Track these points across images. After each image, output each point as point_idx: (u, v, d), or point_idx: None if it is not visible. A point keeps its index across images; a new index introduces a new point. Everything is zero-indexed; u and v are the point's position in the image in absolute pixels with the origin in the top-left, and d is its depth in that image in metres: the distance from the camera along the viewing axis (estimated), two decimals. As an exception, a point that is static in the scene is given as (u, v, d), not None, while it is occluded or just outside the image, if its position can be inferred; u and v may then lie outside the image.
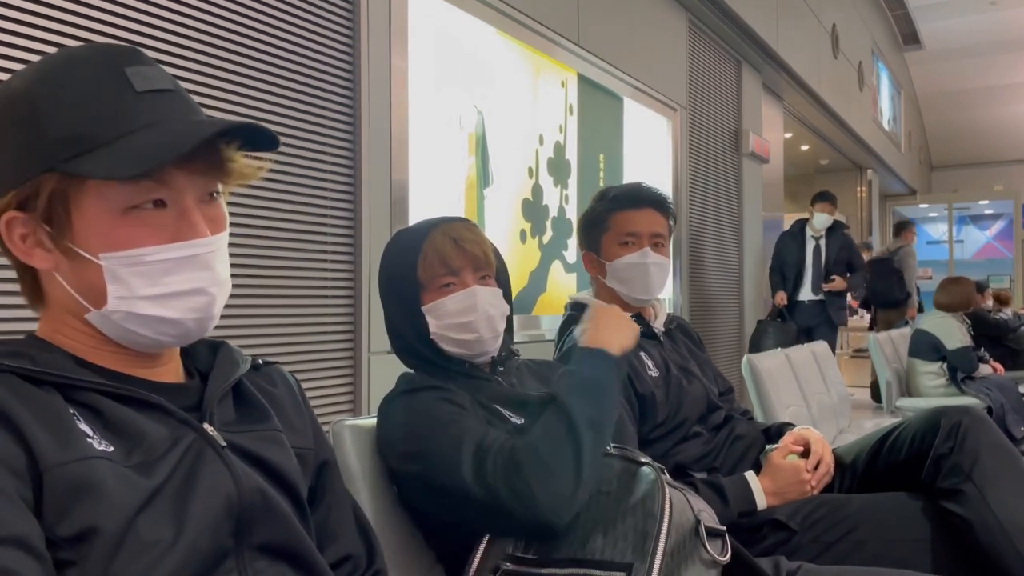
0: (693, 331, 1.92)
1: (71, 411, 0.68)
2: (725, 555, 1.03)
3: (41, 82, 0.70)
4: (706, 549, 1.01)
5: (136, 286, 0.70)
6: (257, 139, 0.74)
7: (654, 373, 1.63)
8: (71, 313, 0.73)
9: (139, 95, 0.70)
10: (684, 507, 1.04)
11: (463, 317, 1.18)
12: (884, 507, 1.44)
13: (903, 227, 7.14)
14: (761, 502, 1.47)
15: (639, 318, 1.72)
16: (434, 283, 1.19)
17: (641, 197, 1.73)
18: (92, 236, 0.69)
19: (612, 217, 1.73)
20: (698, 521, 1.03)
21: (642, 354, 1.65)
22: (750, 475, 1.51)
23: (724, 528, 1.06)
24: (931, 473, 1.42)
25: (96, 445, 0.67)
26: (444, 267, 1.19)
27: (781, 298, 5.26)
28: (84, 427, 0.68)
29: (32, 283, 0.75)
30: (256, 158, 0.77)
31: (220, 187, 0.76)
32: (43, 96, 0.69)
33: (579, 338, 1.28)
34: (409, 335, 1.22)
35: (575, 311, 1.76)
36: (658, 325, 1.76)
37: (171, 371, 0.79)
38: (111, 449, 0.67)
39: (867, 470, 1.60)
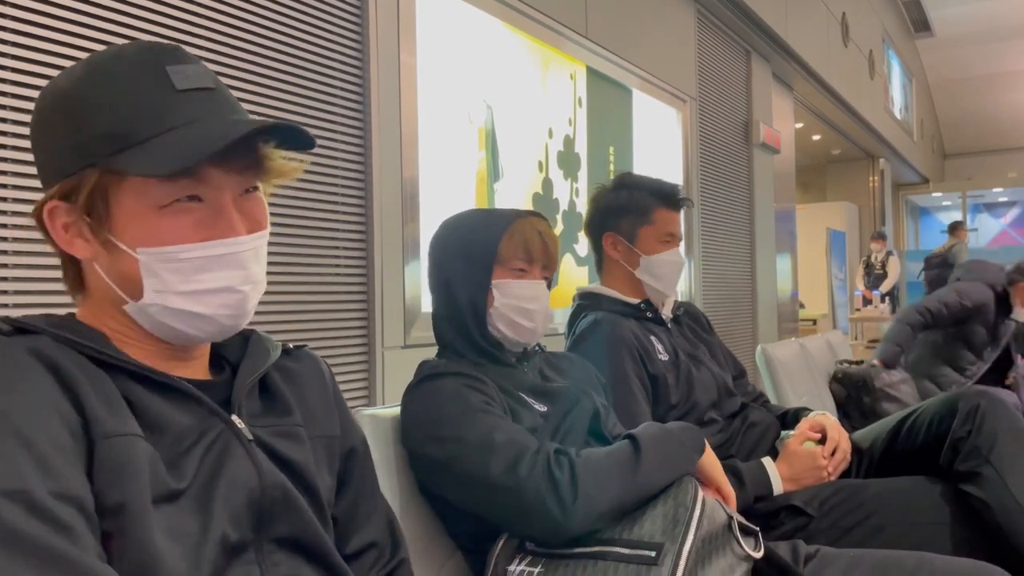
0: (702, 315, 1.93)
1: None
2: (758, 551, 1.02)
3: (86, 79, 0.72)
4: (739, 543, 1.01)
5: (170, 282, 0.71)
6: (292, 138, 0.74)
7: (664, 357, 1.65)
8: (110, 303, 0.74)
9: (179, 93, 0.71)
10: (716, 505, 1.04)
11: (529, 304, 1.23)
12: (902, 492, 1.44)
13: (956, 227, 7.85)
14: (778, 487, 1.47)
15: (648, 304, 1.74)
16: (510, 263, 1.23)
17: (678, 200, 1.79)
18: (130, 231, 0.70)
19: (657, 212, 1.74)
20: (731, 517, 1.03)
21: (652, 338, 1.67)
22: (767, 461, 1.51)
23: (757, 528, 1.05)
24: (949, 456, 1.42)
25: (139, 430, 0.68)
26: (526, 253, 1.23)
27: None
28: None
29: (74, 272, 0.76)
30: (292, 158, 0.77)
31: (259, 185, 0.76)
32: (87, 93, 0.71)
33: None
34: (463, 299, 1.23)
35: (584, 301, 1.76)
36: (666, 312, 1.78)
37: (200, 367, 0.80)
38: (144, 434, 0.68)
39: (885, 455, 1.60)
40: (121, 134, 0.69)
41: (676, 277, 1.76)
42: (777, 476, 1.49)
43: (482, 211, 1.31)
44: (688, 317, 1.86)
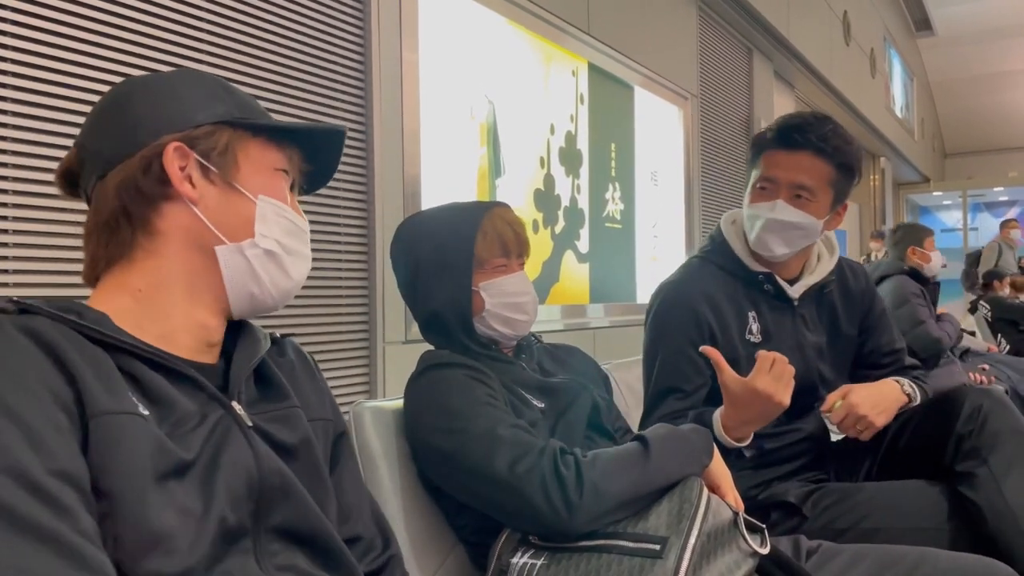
0: (863, 296, 1.59)
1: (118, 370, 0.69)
2: (764, 547, 1.02)
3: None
4: (745, 540, 1.00)
5: (276, 231, 0.82)
6: (320, 173, 0.91)
7: (755, 339, 1.46)
8: (194, 248, 0.78)
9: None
10: (721, 502, 1.04)
11: (520, 298, 1.22)
12: (897, 495, 1.41)
13: (1003, 225, 8.05)
14: (720, 431, 1.31)
15: (768, 278, 1.51)
16: (491, 263, 1.21)
17: (797, 139, 1.43)
18: (255, 180, 0.82)
19: (764, 155, 1.49)
20: (736, 514, 1.03)
21: (751, 314, 1.48)
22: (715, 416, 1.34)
23: (763, 525, 1.05)
24: (952, 456, 1.39)
25: (139, 408, 0.68)
26: (502, 249, 1.22)
27: None
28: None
29: (124, 240, 0.76)
30: None
31: None
32: (212, 76, 0.86)
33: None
34: (445, 308, 1.20)
35: (710, 243, 1.59)
36: (796, 290, 1.51)
37: (216, 351, 0.81)
38: (147, 413, 0.68)
39: (888, 455, 1.56)
40: (251, 108, 0.84)
41: (764, 236, 1.44)
42: (718, 422, 1.30)
43: (446, 213, 1.25)
44: (842, 296, 1.54)
